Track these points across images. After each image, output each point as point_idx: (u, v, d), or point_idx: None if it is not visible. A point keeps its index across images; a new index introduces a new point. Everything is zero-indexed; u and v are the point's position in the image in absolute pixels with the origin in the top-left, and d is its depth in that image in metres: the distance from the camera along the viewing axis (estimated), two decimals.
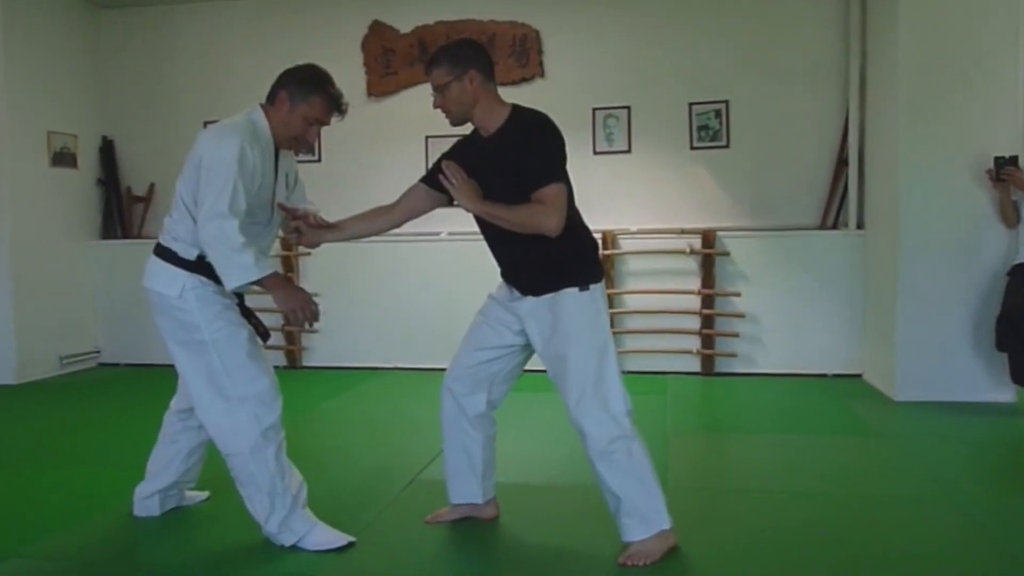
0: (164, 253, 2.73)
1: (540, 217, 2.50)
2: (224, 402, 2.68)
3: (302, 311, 2.63)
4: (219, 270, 2.58)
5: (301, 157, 6.22)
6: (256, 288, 2.62)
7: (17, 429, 4.68)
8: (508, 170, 2.55)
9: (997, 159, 4.54)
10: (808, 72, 5.79)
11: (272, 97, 2.71)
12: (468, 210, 2.63)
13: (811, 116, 5.80)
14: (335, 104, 2.73)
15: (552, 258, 2.61)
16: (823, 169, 5.79)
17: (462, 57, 2.61)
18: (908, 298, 4.84)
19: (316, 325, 2.83)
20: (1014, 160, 4.52)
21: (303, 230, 2.84)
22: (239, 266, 2.54)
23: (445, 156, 2.75)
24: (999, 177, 4.53)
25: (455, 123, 2.69)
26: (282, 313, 2.67)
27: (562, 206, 2.52)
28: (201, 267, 2.68)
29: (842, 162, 5.71)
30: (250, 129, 2.65)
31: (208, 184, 2.55)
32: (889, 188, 5.03)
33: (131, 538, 2.93)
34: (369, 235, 2.98)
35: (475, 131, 2.72)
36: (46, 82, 6.23)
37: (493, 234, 2.69)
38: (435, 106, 2.68)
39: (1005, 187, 4.56)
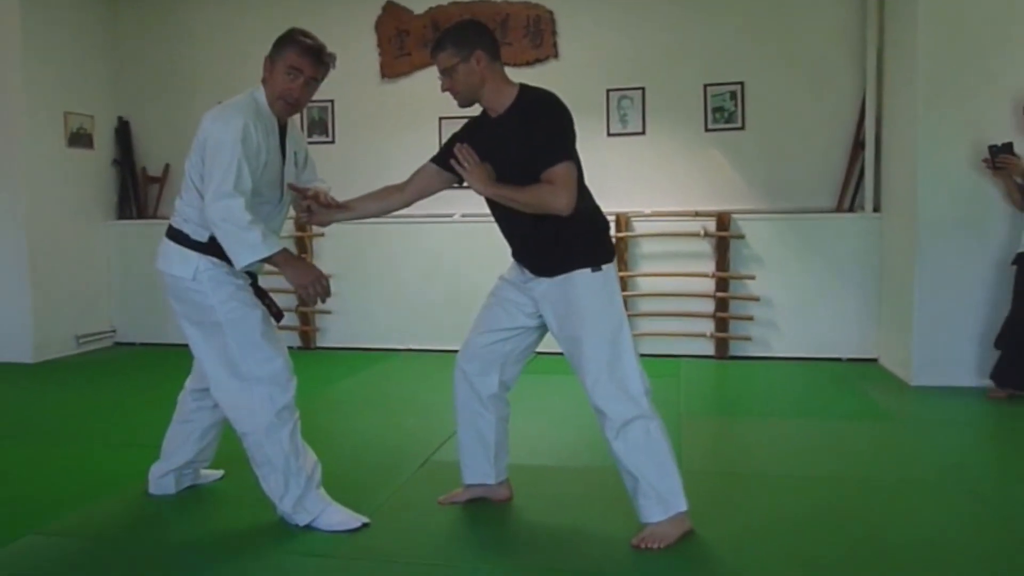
0: (176, 235, 2.74)
1: (550, 197, 2.49)
2: (238, 382, 2.69)
3: (313, 287, 2.62)
4: (227, 250, 2.58)
5: (315, 139, 6.32)
6: (270, 267, 2.62)
7: (34, 407, 4.72)
8: (517, 150, 2.54)
9: (992, 147, 4.51)
10: (825, 53, 5.73)
11: (263, 70, 2.72)
12: (479, 193, 2.62)
13: (827, 98, 5.74)
14: (307, 50, 2.66)
15: (563, 239, 2.60)
16: (839, 152, 5.73)
17: (467, 38, 2.59)
18: (925, 282, 4.80)
19: (328, 304, 2.83)
20: (1009, 147, 4.49)
21: (314, 209, 2.84)
22: (247, 244, 2.54)
23: (455, 137, 2.74)
24: (995, 165, 4.52)
25: (463, 105, 2.68)
26: (294, 290, 2.67)
27: (572, 185, 2.50)
28: (213, 248, 2.69)
29: (858, 145, 5.65)
30: (253, 107, 2.65)
31: (213, 165, 2.55)
32: (906, 171, 4.98)
33: (147, 516, 2.95)
34: (379, 214, 2.98)
35: (484, 112, 2.71)
36: (63, 63, 6.24)
37: (504, 215, 2.69)
38: (443, 89, 2.67)
39: (1004, 174, 4.54)
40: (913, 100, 4.83)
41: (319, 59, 2.69)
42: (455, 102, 2.70)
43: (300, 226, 6.00)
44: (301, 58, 2.66)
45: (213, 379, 2.74)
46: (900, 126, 5.14)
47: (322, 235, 6.17)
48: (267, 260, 2.59)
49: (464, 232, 6.01)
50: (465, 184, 2.66)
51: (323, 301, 2.72)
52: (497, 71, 2.62)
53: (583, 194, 2.61)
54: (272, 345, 2.74)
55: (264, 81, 2.71)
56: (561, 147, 2.52)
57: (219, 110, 2.64)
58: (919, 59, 4.75)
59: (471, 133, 2.72)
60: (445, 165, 2.72)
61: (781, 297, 5.72)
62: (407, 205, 2.91)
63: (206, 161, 2.58)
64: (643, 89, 5.98)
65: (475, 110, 2.75)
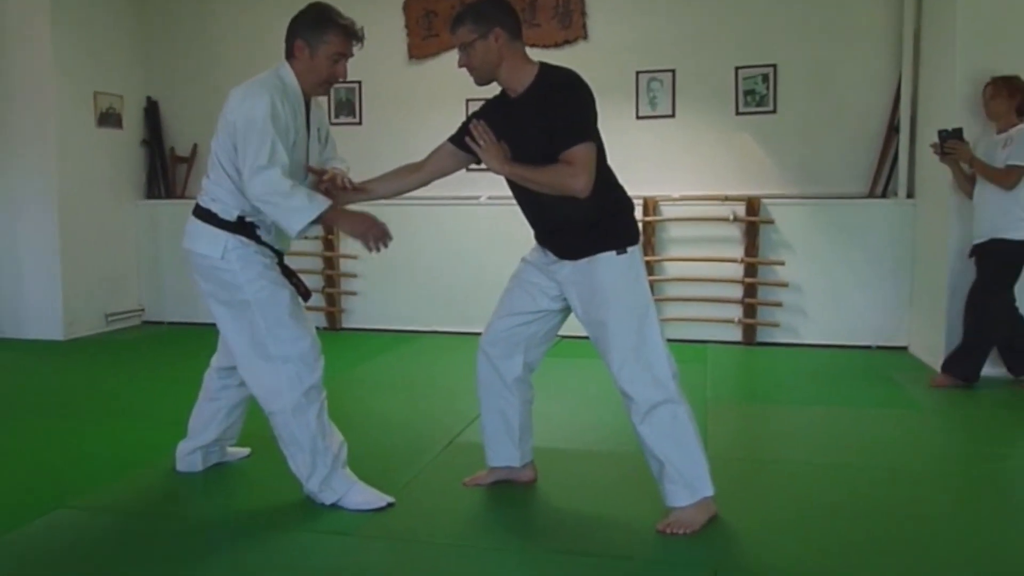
0: (204, 215, 2.73)
1: (568, 178, 2.44)
2: (266, 362, 2.69)
3: (372, 234, 2.63)
4: (279, 221, 2.58)
5: (341, 120, 6.32)
6: (296, 247, 2.60)
7: (64, 384, 4.78)
8: (536, 131, 2.50)
9: (941, 132, 4.43)
10: (859, 35, 5.61)
11: (290, 51, 2.69)
12: (495, 171, 2.58)
13: (861, 81, 5.63)
14: (350, 33, 2.67)
15: (587, 221, 2.57)
16: (873, 136, 5.63)
17: (487, 15, 2.54)
18: (959, 269, 4.70)
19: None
20: (958, 133, 4.39)
21: (332, 192, 2.82)
22: (295, 209, 2.54)
23: (474, 116, 2.69)
24: (943, 151, 4.43)
25: (480, 82, 2.62)
26: (358, 240, 2.67)
27: (590, 166, 2.45)
28: (242, 227, 2.69)
29: (893, 129, 5.55)
30: (279, 86, 2.63)
31: (246, 143, 2.54)
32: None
33: (174, 493, 2.98)
34: (396, 194, 2.95)
35: (503, 91, 2.66)
36: (93, 43, 6.27)
37: (527, 198, 2.65)
38: (460, 65, 2.62)
39: (952, 160, 4.47)
40: (951, 82, 4.72)
41: (359, 40, 2.70)
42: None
43: None
44: (346, 43, 2.66)
45: (240, 359, 2.75)
46: (937, 109, 5.04)
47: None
48: (318, 220, 2.58)
49: (490, 215, 5.99)
50: (483, 164, 2.63)
51: (385, 246, 2.70)
52: (517, 50, 2.57)
53: (607, 176, 2.56)
54: (300, 325, 2.74)
55: (292, 60, 2.68)
56: (581, 128, 2.47)
57: (245, 88, 2.63)
58: (957, 42, 4.64)
59: (489, 112, 2.67)
60: (462, 144, 2.68)
61: (811, 283, 5.65)
62: (424, 185, 2.87)
63: (237, 142, 2.57)
64: (673, 71, 5.90)
65: (493, 89, 2.71)
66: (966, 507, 2.85)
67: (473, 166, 2.78)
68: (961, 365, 4.45)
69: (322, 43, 2.63)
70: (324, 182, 2.80)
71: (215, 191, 2.71)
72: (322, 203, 2.57)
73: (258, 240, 2.72)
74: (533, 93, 2.55)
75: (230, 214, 2.69)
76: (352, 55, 2.71)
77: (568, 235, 2.63)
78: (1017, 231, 4.24)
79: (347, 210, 2.75)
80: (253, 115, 2.54)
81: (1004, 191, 4.24)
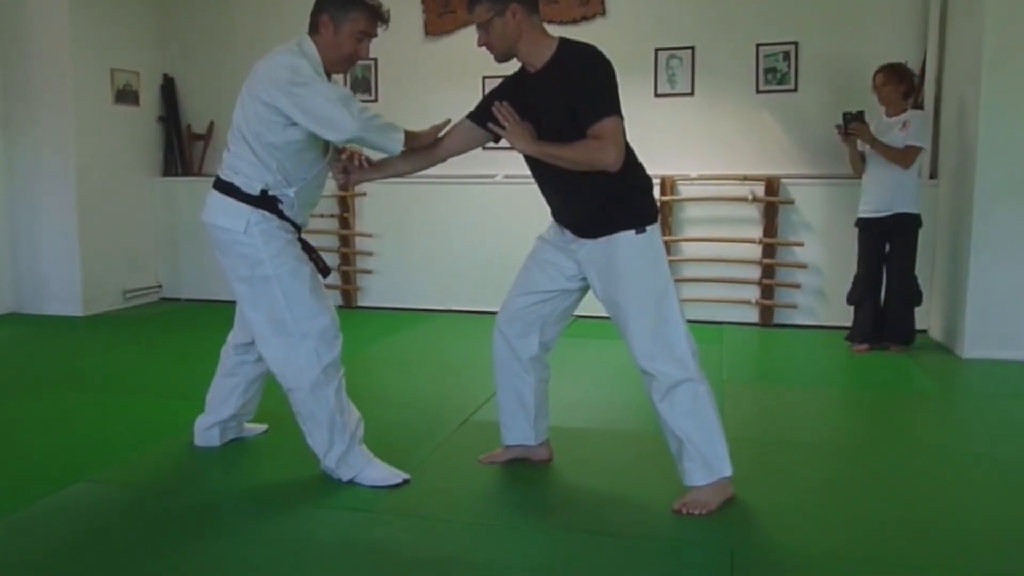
0: (227, 188, 2.71)
1: (597, 153, 2.42)
2: (286, 338, 2.69)
3: None
4: (383, 145, 2.62)
5: (359, 97, 6.26)
6: (316, 226, 2.60)
7: (84, 359, 4.82)
8: (559, 107, 2.47)
9: (845, 114, 4.74)
10: (883, 12, 5.51)
11: (315, 25, 2.67)
12: (522, 151, 2.56)
13: (885, 59, 5.49)
14: (376, 14, 2.68)
15: (606, 199, 2.55)
16: None
17: None
18: (982, 251, 4.65)
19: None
20: (860, 115, 4.72)
21: (350, 169, 2.83)
22: (391, 128, 2.62)
23: (493, 94, 2.67)
24: (847, 132, 4.74)
25: (500, 60, 2.61)
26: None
27: (619, 140, 2.43)
28: (265, 201, 2.68)
29: (917, 108, 5.45)
30: (304, 57, 2.62)
31: (306, 98, 2.51)
32: (967, 136, 4.81)
33: (192, 467, 3.00)
34: (412, 172, 2.93)
35: (522, 68, 2.63)
36: (110, 20, 6.26)
37: (545, 175, 2.63)
38: (479, 44, 2.60)
39: (852, 141, 4.80)
40: (978, 61, 4.63)
41: (384, 21, 2.71)
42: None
43: (342, 186, 6.00)
44: (371, 23, 2.67)
45: (259, 334, 2.75)
46: (962, 89, 4.96)
47: (364, 195, 6.17)
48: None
49: (506, 193, 5.96)
50: (503, 142, 2.60)
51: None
52: (535, 25, 2.54)
53: (627, 154, 2.54)
54: (320, 301, 2.74)
55: (316, 35, 2.67)
56: (607, 102, 2.45)
57: (279, 57, 2.59)
58: (986, 20, 4.55)
59: (509, 90, 2.64)
60: (481, 122, 2.66)
61: (830, 265, 5.59)
62: (441, 162, 2.85)
63: (298, 107, 2.52)
64: (693, 48, 5.83)
65: (512, 67, 2.68)
66: (987, 487, 2.82)
67: (491, 145, 2.75)
68: (904, 331, 4.88)
69: (348, 20, 2.63)
70: (342, 160, 2.80)
71: (237, 164, 2.69)
72: (399, 129, 2.64)
73: (280, 215, 2.72)
74: (553, 68, 2.52)
75: (253, 188, 2.67)
76: (376, 36, 2.72)
77: (587, 214, 2.61)
78: (913, 205, 4.74)
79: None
80: (300, 69, 2.53)
81: (901, 169, 4.67)
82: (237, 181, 2.68)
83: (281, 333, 2.70)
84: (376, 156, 2.84)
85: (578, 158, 2.46)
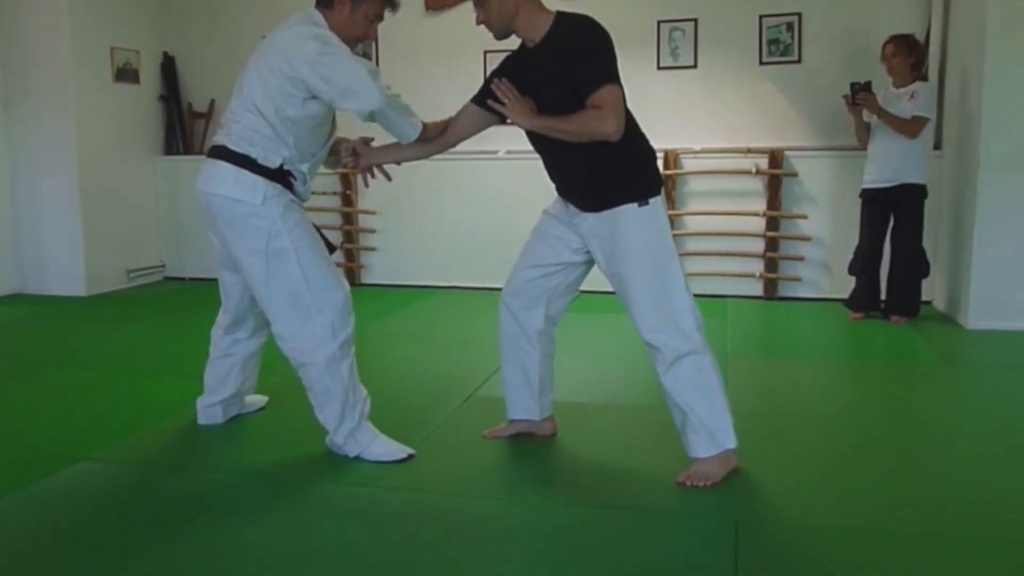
0: (240, 159, 2.63)
1: (597, 123, 2.40)
2: (302, 312, 2.67)
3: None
4: (400, 128, 2.65)
5: None
6: (330, 190, 2.61)
7: (88, 339, 4.83)
8: (559, 80, 2.46)
9: (853, 85, 4.78)
10: None
11: (329, 1, 2.65)
12: (523, 127, 2.54)
13: (889, 29, 5.43)
14: (394, 3, 2.72)
15: (609, 173, 2.54)
16: None
17: None
18: (986, 221, 4.64)
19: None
20: (868, 86, 4.75)
21: (360, 151, 2.84)
22: (409, 113, 2.66)
23: (495, 74, 2.66)
24: (854, 103, 4.77)
25: (499, 37, 2.61)
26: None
27: (619, 108, 2.42)
28: (281, 176, 2.67)
29: (921, 79, 5.40)
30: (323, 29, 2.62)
31: (336, 68, 2.51)
32: (971, 106, 4.77)
33: (195, 445, 3.01)
34: (422, 157, 2.92)
35: (522, 45, 2.63)
36: None
37: (547, 150, 2.62)
38: (477, 22, 2.60)
39: (858, 111, 4.83)
40: (981, 32, 4.59)
41: (395, 8, 2.74)
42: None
43: (352, 168, 5.97)
44: (385, 8, 2.70)
45: (273, 309, 2.71)
46: (966, 59, 4.91)
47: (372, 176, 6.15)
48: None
49: (509, 169, 5.93)
50: (509, 121, 2.59)
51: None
52: (531, 0, 2.54)
53: (629, 125, 2.52)
54: (336, 276, 2.75)
55: (328, 11, 2.65)
56: (604, 71, 2.43)
57: (298, 25, 2.58)
58: None
59: (510, 67, 2.64)
60: (486, 105, 2.65)
61: (834, 237, 5.58)
62: (451, 147, 2.84)
63: (319, 71, 2.51)
64: (695, 20, 5.77)
65: (515, 43, 2.66)
66: (992, 457, 2.82)
67: (500, 123, 2.75)
68: (909, 303, 4.87)
69: (364, 3, 2.64)
70: (352, 142, 2.84)
71: (253, 136, 2.62)
72: (417, 117, 2.68)
73: (292, 190, 2.71)
74: (551, 41, 2.51)
75: (271, 161, 2.64)
76: (384, 20, 2.74)
77: (590, 187, 2.60)
78: (920, 176, 4.74)
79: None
80: (329, 42, 2.54)
81: (907, 140, 4.68)
82: (254, 153, 2.63)
83: (296, 307, 2.68)
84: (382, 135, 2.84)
85: (578, 129, 2.44)
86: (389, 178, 2.92)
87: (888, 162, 4.76)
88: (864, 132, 4.90)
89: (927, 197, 4.81)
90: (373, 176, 2.91)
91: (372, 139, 2.89)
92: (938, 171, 5.29)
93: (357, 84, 2.51)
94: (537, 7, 2.54)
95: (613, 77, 2.43)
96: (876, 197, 4.86)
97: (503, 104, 2.53)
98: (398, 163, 2.92)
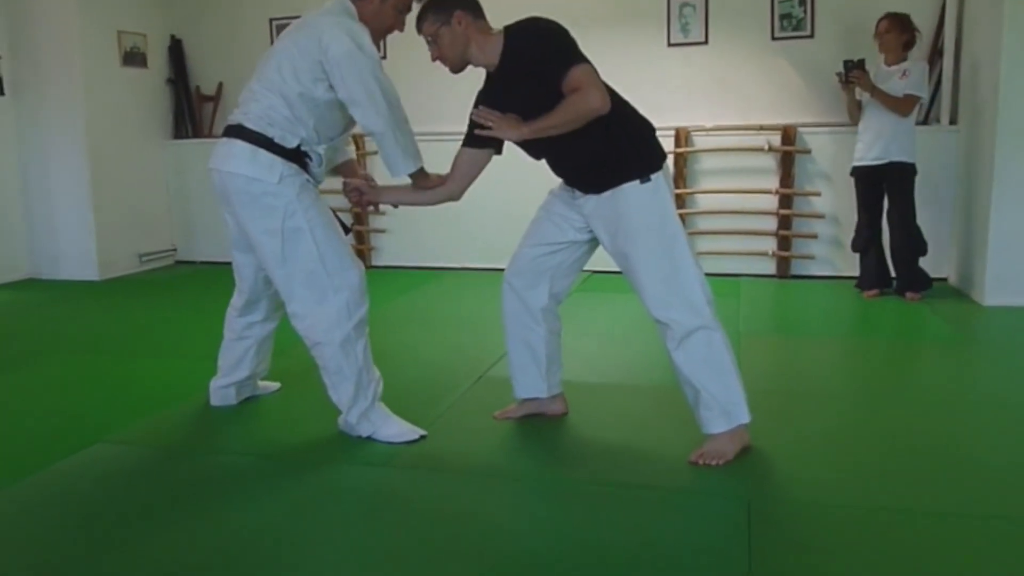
0: (257, 138, 2.63)
1: (582, 103, 2.40)
2: (318, 292, 2.68)
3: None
4: (392, 158, 2.65)
5: None
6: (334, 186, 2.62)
7: (102, 323, 4.85)
8: (531, 88, 2.47)
9: (846, 62, 4.77)
10: None
11: None
12: (516, 139, 2.53)
13: (904, 3, 5.39)
14: None
15: (605, 153, 2.53)
16: (915, 61, 5.41)
17: (445, 2, 2.54)
18: (1004, 196, 4.58)
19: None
20: (861, 63, 4.73)
21: (364, 190, 2.86)
22: (409, 148, 2.66)
23: (471, 114, 2.65)
24: (848, 80, 4.77)
25: (455, 70, 2.63)
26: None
27: (597, 82, 2.42)
28: (298, 156, 2.67)
29: (936, 53, 5.34)
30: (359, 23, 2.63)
31: (357, 77, 2.53)
32: (988, 81, 4.70)
33: (209, 426, 3.02)
34: (425, 204, 2.94)
35: (487, 73, 2.64)
36: None
37: (545, 150, 2.63)
38: (432, 58, 2.62)
39: (851, 89, 4.84)
40: (998, 7, 4.51)
41: None
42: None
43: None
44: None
45: (288, 289, 2.71)
46: (983, 31, 4.83)
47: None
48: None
49: (515, 150, 5.86)
50: (506, 149, 2.63)
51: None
52: (482, 28, 2.56)
53: (618, 105, 2.50)
54: (352, 256, 2.75)
55: (360, 3, 2.65)
56: (565, 56, 2.44)
57: (337, 14, 2.60)
58: None
59: (483, 100, 2.64)
60: (477, 142, 2.65)
61: (848, 215, 5.51)
62: (455, 198, 2.84)
63: (340, 70, 2.53)
64: None
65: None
66: (1008, 434, 2.80)
67: (499, 154, 2.76)
68: (915, 280, 4.85)
69: None
70: (361, 175, 2.94)
71: (272, 116, 2.62)
72: (419, 159, 2.67)
73: (307, 170, 2.71)
74: (508, 58, 2.53)
75: (289, 142, 2.64)
76: (411, 10, 2.74)
77: (592, 171, 2.60)
78: (909, 154, 4.74)
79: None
80: (364, 48, 2.54)
81: (898, 118, 4.68)
82: (272, 133, 2.62)
83: (312, 286, 2.67)
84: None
85: (567, 116, 2.43)
86: (378, 210, 2.94)
87: (878, 139, 4.76)
88: (856, 109, 4.91)
89: (916, 175, 4.80)
90: (376, 211, 2.94)
91: (374, 180, 2.95)
92: (953, 146, 5.23)
93: (366, 99, 2.53)
94: (486, 33, 2.56)
95: (577, 58, 2.44)
96: (867, 175, 4.86)
97: (489, 128, 2.52)
98: (395, 205, 2.93)
